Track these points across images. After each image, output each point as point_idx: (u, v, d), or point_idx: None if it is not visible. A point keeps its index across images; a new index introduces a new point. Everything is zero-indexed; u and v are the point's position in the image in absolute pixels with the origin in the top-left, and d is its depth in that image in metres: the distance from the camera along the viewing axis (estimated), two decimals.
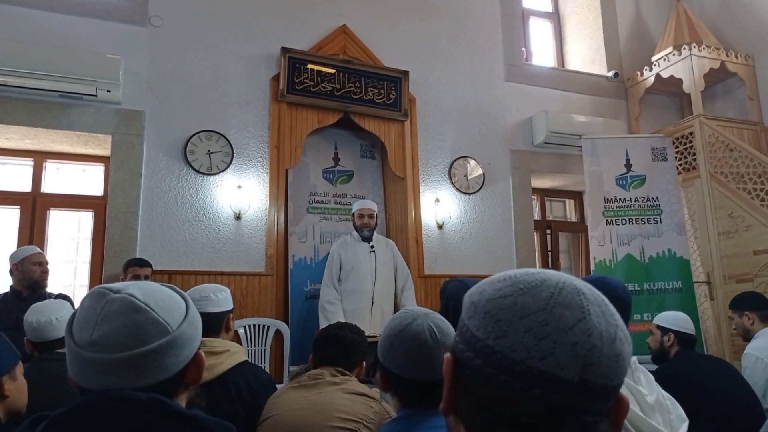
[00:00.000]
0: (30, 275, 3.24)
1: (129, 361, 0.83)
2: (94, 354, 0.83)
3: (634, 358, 1.55)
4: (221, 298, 2.02)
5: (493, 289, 0.55)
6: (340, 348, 1.92)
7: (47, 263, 3.36)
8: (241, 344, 3.81)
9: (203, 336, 0.97)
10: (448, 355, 0.57)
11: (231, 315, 2.08)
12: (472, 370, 0.53)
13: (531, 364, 0.49)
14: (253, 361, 2.75)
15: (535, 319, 0.51)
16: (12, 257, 3.29)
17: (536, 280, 0.54)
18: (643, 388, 1.50)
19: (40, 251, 3.40)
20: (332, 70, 4.51)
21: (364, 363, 2.00)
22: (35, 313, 2.06)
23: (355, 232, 4.11)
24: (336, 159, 4.84)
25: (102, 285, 0.90)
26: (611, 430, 0.53)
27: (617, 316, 0.54)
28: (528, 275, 0.55)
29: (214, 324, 1.95)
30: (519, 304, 0.52)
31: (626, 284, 4.75)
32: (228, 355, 1.93)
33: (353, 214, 4.13)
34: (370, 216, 4.07)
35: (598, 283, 1.59)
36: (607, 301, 0.55)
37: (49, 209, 4.21)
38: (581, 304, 0.52)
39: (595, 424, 0.51)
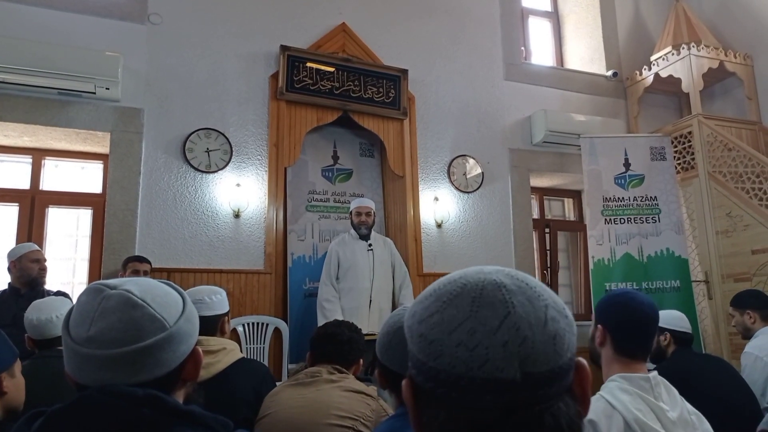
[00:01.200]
0: (28, 272, 3.24)
1: (126, 357, 0.83)
2: (90, 350, 0.83)
3: (654, 373, 1.50)
4: (216, 301, 2.00)
5: (422, 309, 0.55)
6: (338, 346, 1.92)
7: (45, 260, 3.36)
8: (239, 343, 3.83)
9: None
10: (405, 381, 0.56)
11: (226, 318, 2.05)
12: (427, 394, 0.53)
13: (472, 375, 0.49)
14: None
15: (462, 330, 0.51)
16: (10, 254, 3.30)
17: (457, 288, 0.53)
18: (664, 404, 1.44)
19: (38, 248, 3.40)
20: (331, 69, 4.51)
21: (361, 361, 2.01)
22: (36, 311, 2.06)
23: (352, 231, 4.11)
24: (335, 157, 4.84)
25: (99, 281, 0.90)
26: (576, 403, 0.52)
27: (545, 294, 0.53)
28: (449, 284, 0.55)
29: (209, 327, 1.93)
30: (446, 319, 0.52)
31: (624, 284, 4.70)
32: (225, 353, 1.93)
33: (351, 212, 4.15)
34: (368, 214, 4.08)
35: (626, 297, 1.55)
36: (532, 282, 0.54)
37: (47, 207, 4.20)
38: (504, 299, 0.51)
39: (554, 406, 0.50)
